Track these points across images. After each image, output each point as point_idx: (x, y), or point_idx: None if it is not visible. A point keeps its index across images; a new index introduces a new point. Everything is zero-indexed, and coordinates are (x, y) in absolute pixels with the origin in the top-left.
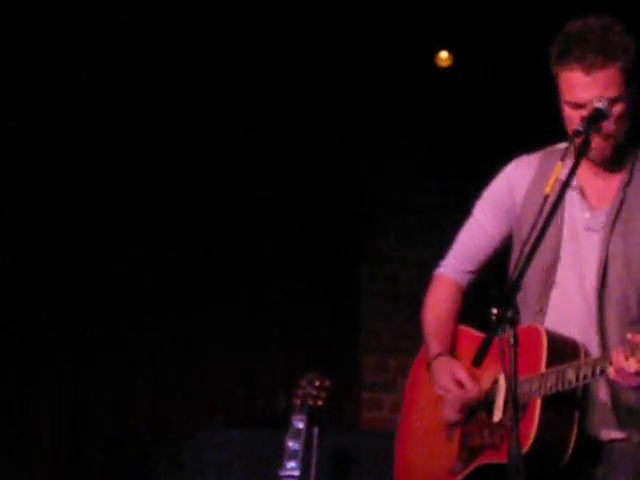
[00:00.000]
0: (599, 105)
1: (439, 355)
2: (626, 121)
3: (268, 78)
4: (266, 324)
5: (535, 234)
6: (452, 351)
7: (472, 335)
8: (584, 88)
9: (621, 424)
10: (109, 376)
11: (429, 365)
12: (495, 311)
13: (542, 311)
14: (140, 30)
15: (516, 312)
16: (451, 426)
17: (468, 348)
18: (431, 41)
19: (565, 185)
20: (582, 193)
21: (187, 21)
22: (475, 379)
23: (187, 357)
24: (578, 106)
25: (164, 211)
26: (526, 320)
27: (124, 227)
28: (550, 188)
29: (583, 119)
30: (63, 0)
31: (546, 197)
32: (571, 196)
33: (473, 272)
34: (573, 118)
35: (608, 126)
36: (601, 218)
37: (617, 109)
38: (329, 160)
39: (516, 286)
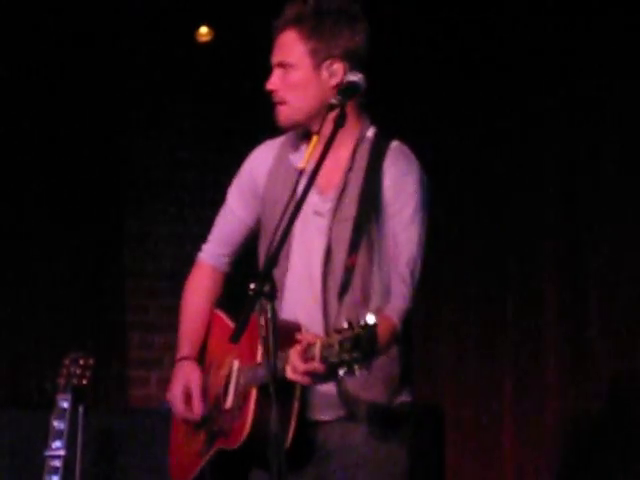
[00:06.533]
0: (352, 78)
1: (183, 359)
2: (299, 94)
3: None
4: (30, 303)
5: (290, 211)
6: (207, 336)
7: (224, 323)
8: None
9: (343, 408)
10: None
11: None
12: (253, 286)
13: (279, 297)
14: None
15: (274, 286)
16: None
17: (220, 336)
18: (191, 16)
19: (319, 165)
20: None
21: None
22: (215, 372)
23: None
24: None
25: None
26: None
27: None
28: (306, 162)
29: (338, 91)
30: None
31: (301, 171)
32: (302, 179)
33: (230, 255)
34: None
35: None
36: (327, 202)
37: (290, 76)
38: (91, 139)
39: (274, 261)
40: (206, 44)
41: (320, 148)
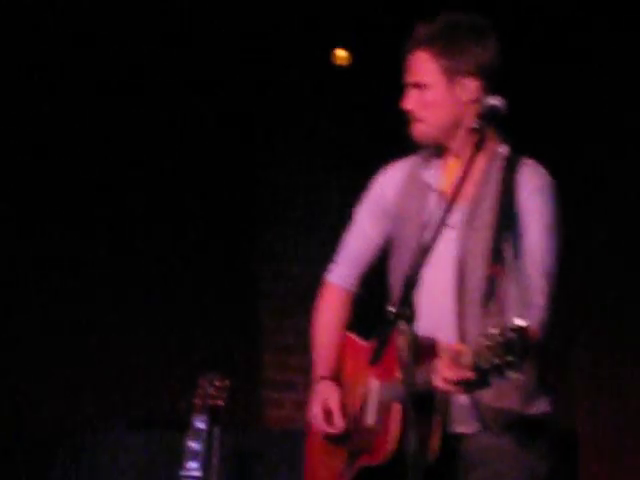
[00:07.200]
0: (493, 102)
1: (321, 379)
2: (435, 112)
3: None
4: (164, 324)
5: (431, 232)
6: (339, 360)
7: (357, 345)
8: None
9: (479, 420)
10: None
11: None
12: (392, 309)
13: None
14: None
15: (413, 309)
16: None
17: (354, 357)
18: (328, 39)
19: (461, 182)
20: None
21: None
22: (351, 392)
23: (86, 357)
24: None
25: (64, 201)
26: None
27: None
28: (446, 185)
29: (478, 116)
30: None
31: (441, 193)
32: (430, 195)
33: (358, 276)
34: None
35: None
36: (458, 215)
37: (425, 95)
38: (225, 161)
39: (413, 283)
40: (344, 67)
41: (459, 170)
